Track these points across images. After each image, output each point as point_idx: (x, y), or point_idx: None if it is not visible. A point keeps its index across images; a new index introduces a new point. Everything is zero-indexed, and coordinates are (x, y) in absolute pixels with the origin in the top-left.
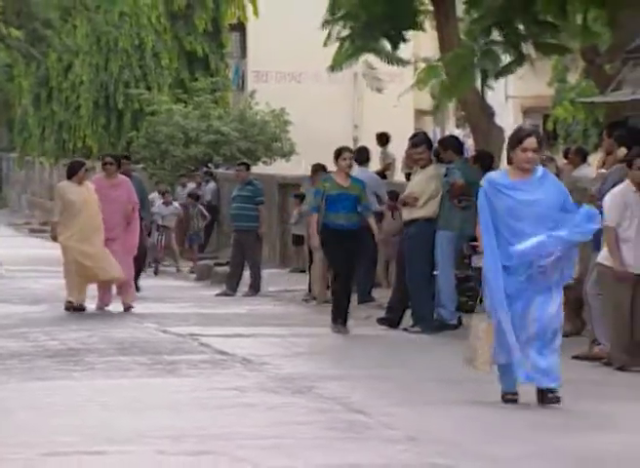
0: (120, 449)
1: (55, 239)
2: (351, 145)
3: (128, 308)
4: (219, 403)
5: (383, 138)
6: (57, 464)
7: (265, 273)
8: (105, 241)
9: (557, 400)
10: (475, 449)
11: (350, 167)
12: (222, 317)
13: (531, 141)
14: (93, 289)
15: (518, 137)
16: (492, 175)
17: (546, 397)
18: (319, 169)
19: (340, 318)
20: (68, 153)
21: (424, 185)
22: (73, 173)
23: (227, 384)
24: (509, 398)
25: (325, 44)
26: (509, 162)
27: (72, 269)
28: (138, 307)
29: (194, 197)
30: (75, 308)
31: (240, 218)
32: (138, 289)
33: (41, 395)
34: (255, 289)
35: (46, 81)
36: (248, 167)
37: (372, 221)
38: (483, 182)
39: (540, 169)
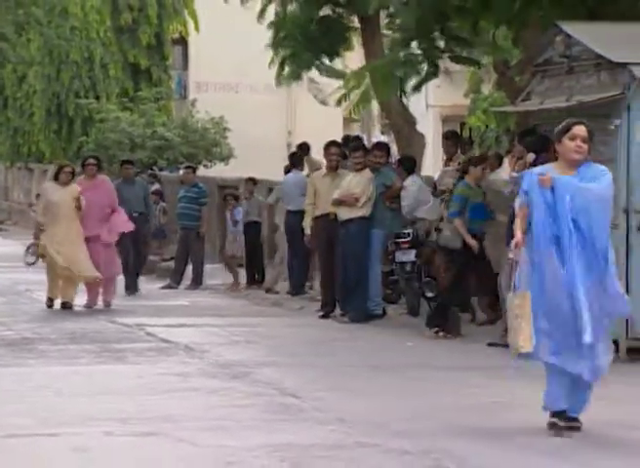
0: (71, 431)
1: (36, 238)
2: (286, 150)
3: (107, 305)
4: (163, 387)
5: (304, 148)
6: (12, 445)
7: (206, 268)
8: (86, 240)
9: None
10: (400, 429)
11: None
12: (167, 308)
13: (580, 129)
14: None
15: (566, 126)
16: (537, 170)
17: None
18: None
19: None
20: (22, 157)
21: (364, 187)
22: (57, 174)
23: (171, 370)
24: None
25: (269, 66)
26: (556, 157)
27: (52, 268)
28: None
29: (159, 194)
30: (55, 305)
31: (186, 218)
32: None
33: None
34: (196, 282)
35: (1, 90)
36: (194, 170)
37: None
38: (524, 177)
39: (592, 168)
